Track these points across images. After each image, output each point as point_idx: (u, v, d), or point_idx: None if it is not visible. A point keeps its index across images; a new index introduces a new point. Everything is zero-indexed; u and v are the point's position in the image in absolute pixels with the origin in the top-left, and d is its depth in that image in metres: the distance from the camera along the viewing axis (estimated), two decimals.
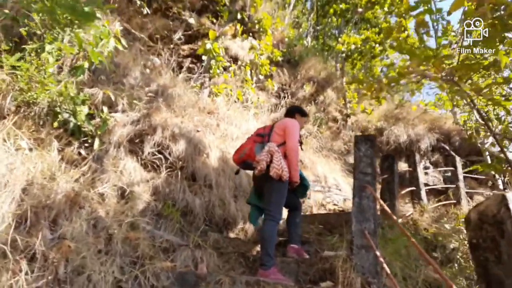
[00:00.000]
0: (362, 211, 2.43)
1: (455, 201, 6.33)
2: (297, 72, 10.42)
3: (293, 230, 3.00)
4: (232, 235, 3.55)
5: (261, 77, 8.48)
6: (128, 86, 3.84)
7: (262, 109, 8.01)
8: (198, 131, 3.92)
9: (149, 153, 3.42)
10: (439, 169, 7.40)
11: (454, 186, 6.77)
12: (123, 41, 3.72)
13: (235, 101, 6.19)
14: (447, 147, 10.08)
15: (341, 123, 10.45)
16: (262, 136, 2.92)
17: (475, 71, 2.94)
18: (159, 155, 3.49)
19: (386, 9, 10.25)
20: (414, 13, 2.73)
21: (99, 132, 3.05)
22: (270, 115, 8.30)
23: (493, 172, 6.22)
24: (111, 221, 2.45)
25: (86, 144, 3.03)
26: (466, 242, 4.33)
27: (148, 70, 4.62)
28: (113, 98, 3.36)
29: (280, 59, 8.74)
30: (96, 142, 3.00)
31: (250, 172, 4.86)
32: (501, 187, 5.40)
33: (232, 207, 3.66)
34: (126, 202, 2.81)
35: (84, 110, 2.95)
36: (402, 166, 9.64)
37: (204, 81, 6.16)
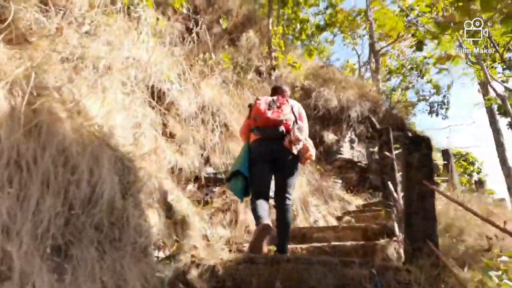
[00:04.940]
0: None
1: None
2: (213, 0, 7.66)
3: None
4: None
5: None
6: None
7: (164, 39, 5.03)
8: None
9: None
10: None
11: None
12: None
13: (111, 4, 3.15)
14: (373, 119, 8.85)
15: (264, 76, 8.22)
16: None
17: None
18: None
19: None
20: None
21: None
22: (175, 48, 5.37)
23: None
24: None
25: None
26: None
27: None
28: None
29: None
30: None
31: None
32: None
33: None
34: None
35: None
36: (330, 137, 8.17)
37: None
